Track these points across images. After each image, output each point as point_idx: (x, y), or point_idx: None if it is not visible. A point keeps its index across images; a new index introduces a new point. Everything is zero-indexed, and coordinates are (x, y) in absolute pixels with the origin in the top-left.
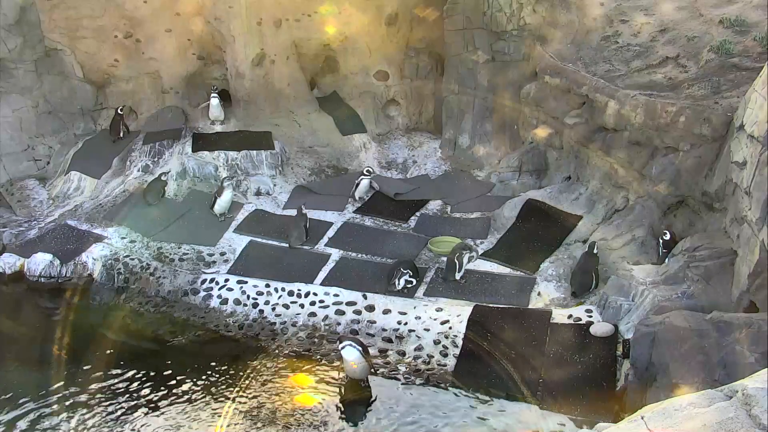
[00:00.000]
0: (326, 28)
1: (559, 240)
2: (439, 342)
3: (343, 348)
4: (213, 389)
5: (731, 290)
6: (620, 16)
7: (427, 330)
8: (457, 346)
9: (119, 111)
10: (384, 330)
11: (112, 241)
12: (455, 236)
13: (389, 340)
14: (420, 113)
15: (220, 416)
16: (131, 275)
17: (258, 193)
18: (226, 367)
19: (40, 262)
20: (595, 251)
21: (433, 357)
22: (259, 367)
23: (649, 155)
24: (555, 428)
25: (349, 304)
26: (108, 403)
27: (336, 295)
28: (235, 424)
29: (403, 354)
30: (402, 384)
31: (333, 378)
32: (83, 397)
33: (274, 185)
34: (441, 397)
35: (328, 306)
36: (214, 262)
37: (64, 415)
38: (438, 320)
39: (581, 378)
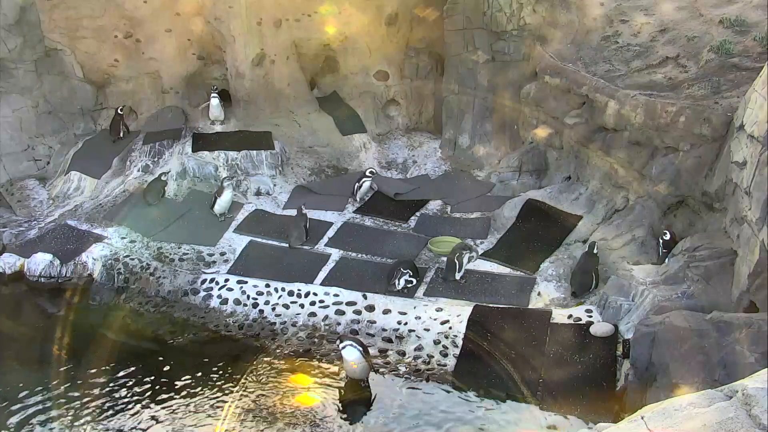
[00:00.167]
0: (326, 28)
1: (559, 240)
2: (439, 342)
3: (343, 348)
4: (213, 389)
5: (731, 290)
6: (620, 16)
7: (427, 330)
8: (457, 346)
9: (119, 111)
10: (384, 330)
11: (112, 241)
12: (455, 236)
13: (389, 340)
14: (420, 113)
15: (220, 416)
16: (131, 275)
17: (258, 193)
18: (226, 367)
19: (40, 262)
20: (595, 251)
21: (433, 357)
22: (259, 367)
23: (649, 155)
24: (555, 428)
25: (349, 304)
26: (108, 403)
27: (336, 295)
28: (235, 424)
29: (403, 354)
30: (402, 384)
31: (333, 378)
32: (83, 397)
33: (274, 185)
34: (441, 397)
35: (328, 306)
36: (214, 262)
37: (64, 415)
38: (438, 320)
39: (581, 378)
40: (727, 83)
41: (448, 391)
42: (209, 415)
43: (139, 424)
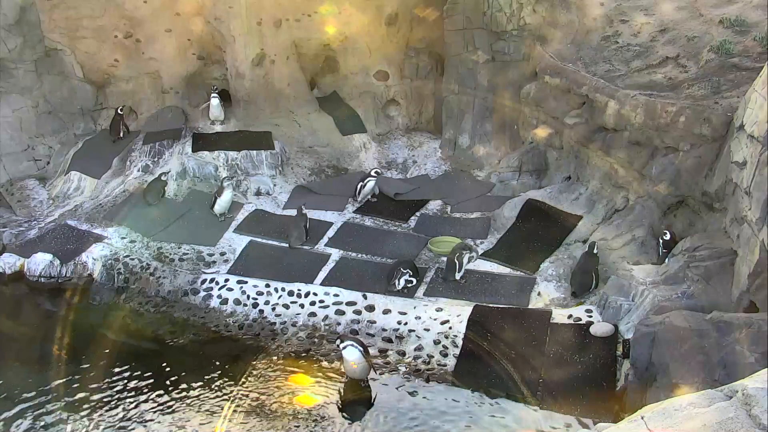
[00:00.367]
0: (326, 28)
1: (559, 240)
2: (439, 342)
3: (344, 348)
4: (213, 389)
5: (731, 290)
6: (620, 16)
7: (427, 330)
8: (457, 346)
9: (119, 111)
10: (384, 330)
11: (112, 241)
12: (455, 236)
13: (389, 340)
14: (420, 113)
15: (220, 416)
16: (131, 275)
17: (258, 193)
18: (226, 367)
19: (40, 262)
20: (595, 251)
21: (433, 357)
22: (259, 367)
23: (649, 155)
24: (555, 428)
25: (349, 304)
26: (108, 403)
27: (336, 295)
28: (235, 424)
29: (403, 354)
30: (402, 384)
31: (333, 378)
32: (83, 397)
33: (274, 185)
34: (441, 397)
35: (328, 306)
36: (214, 262)
37: (64, 415)
38: (438, 320)
39: (581, 378)
40: (727, 83)
41: (448, 391)
42: (209, 415)
43: (139, 424)
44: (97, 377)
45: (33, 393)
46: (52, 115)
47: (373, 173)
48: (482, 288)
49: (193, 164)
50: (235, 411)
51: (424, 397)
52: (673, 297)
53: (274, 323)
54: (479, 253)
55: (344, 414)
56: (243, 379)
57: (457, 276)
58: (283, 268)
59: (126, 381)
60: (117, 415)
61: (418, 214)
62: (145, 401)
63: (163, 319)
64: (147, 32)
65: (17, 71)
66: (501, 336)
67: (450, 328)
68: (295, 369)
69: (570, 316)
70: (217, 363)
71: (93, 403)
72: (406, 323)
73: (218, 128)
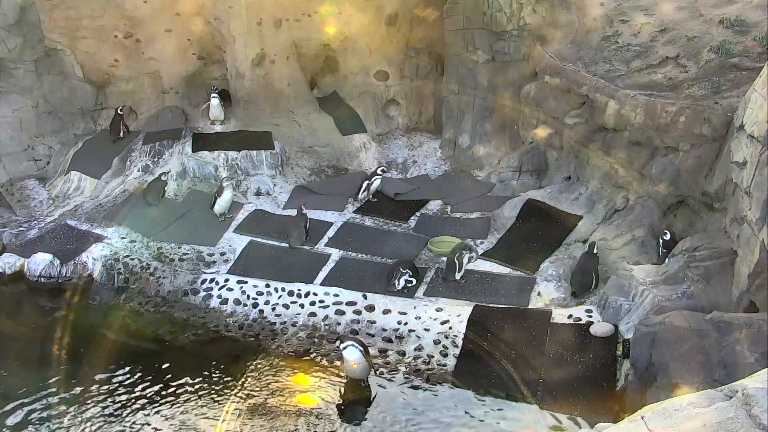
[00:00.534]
0: (326, 28)
1: (559, 240)
2: (439, 342)
3: (344, 348)
4: (213, 389)
5: (731, 290)
6: (620, 16)
7: (427, 330)
8: (457, 346)
9: (119, 111)
10: (384, 330)
11: (112, 241)
12: (455, 236)
13: (389, 340)
14: (420, 113)
15: (220, 416)
16: (131, 275)
17: (258, 193)
18: (226, 367)
19: (40, 262)
20: (595, 251)
21: (433, 357)
22: (259, 367)
23: (649, 155)
24: (555, 428)
25: (349, 304)
26: (108, 403)
27: (336, 295)
28: (235, 424)
29: (403, 354)
30: (402, 384)
31: (333, 378)
32: (83, 397)
33: (274, 185)
34: (441, 397)
35: (328, 306)
36: (214, 262)
37: (64, 415)
38: (438, 320)
39: (581, 378)
40: (727, 83)
41: (448, 391)
42: (209, 415)
43: (139, 424)
44: (97, 377)
45: (33, 393)
46: (52, 115)
47: (379, 171)
48: (482, 288)
49: (193, 164)
50: (235, 411)
51: (424, 397)
52: (673, 297)
53: (274, 323)
54: (479, 253)
55: (344, 414)
56: (243, 379)
57: (457, 276)
58: (283, 268)
59: (126, 381)
60: (117, 415)
61: (418, 214)
62: (145, 401)
63: (163, 319)
64: (147, 32)
65: (17, 71)
66: (501, 336)
67: (450, 328)
68: (295, 369)
69: (570, 316)
70: (217, 363)
71: (93, 403)
72: (406, 323)
73: (218, 128)
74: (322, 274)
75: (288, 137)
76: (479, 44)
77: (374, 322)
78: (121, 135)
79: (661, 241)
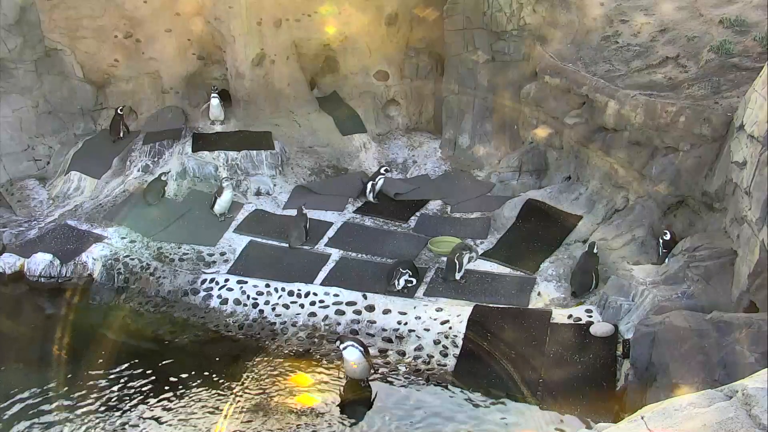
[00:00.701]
0: (326, 28)
1: (559, 240)
2: (439, 342)
3: (345, 348)
4: (213, 389)
5: (731, 290)
6: (620, 16)
7: (427, 330)
8: (457, 346)
9: (119, 111)
10: (384, 330)
11: (112, 241)
12: (455, 236)
13: (389, 340)
14: (420, 113)
15: (220, 416)
16: (131, 275)
17: (258, 193)
18: (226, 367)
19: (40, 262)
20: (595, 251)
21: (433, 357)
22: (259, 367)
23: (649, 155)
24: (555, 428)
25: (349, 304)
26: (108, 403)
27: (336, 295)
28: (235, 424)
29: (403, 354)
30: (402, 384)
31: (333, 378)
32: (83, 397)
33: (274, 185)
34: (441, 397)
35: (328, 306)
36: (214, 262)
37: (64, 415)
38: (438, 320)
39: (581, 378)
40: (727, 83)
41: (448, 391)
42: (209, 415)
43: (138, 424)
44: (97, 377)
45: (33, 393)
46: (52, 115)
47: (383, 170)
48: (482, 288)
49: (193, 164)
50: (235, 411)
51: (423, 397)
52: (673, 297)
53: (274, 323)
54: (479, 253)
55: (344, 414)
56: (243, 379)
57: (457, 276)
58: (283, 268)
59: (126, 381)
60: (117, 415)
61: (418, 214)
62: (145, 401)
63: (163, 319)
64: (147, 32)
65: (17, 71)
66: (501, 336)
67: (450, 328)
68: (295, 369)
69: (570, 316)
70: (217, 363)
71: (93, 403)
72: (406, 323)
73: (218, 128)
74: (322, 274)
75: (288, 137)
76: (479, 44)
77: (374, 322)
78: (121, 135)
79: (661, 241)
